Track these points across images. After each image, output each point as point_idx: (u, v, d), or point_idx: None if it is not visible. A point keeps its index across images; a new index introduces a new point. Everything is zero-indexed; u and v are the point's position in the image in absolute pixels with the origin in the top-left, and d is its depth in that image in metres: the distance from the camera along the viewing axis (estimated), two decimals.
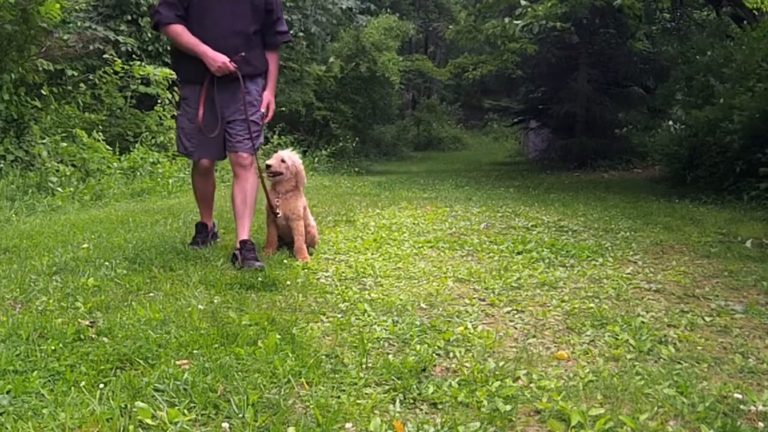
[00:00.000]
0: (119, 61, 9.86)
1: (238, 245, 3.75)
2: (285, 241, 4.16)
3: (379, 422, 1.79)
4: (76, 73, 9.44)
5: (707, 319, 2.88)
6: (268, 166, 3.88)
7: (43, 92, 8.35)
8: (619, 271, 3.81)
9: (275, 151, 4.36)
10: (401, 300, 3.11)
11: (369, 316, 2.84)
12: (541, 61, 14.93)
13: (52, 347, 2.28)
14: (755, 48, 8.04)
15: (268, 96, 4.00)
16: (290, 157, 3.98)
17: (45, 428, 1.74)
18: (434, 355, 2.36)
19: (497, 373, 2.17)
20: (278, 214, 3.93)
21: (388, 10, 19.52)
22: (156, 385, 1.99)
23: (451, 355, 2.38)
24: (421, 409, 1.94)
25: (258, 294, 3.18)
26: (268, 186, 4.02)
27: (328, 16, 14.93)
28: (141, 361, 2.20)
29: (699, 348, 2.51)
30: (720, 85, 8.52)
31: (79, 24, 9.79)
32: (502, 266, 3.90)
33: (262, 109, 3.93)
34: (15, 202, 6.21)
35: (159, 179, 8.54)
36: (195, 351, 2.30)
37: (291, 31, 14.09)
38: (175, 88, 10.23)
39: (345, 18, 16.14)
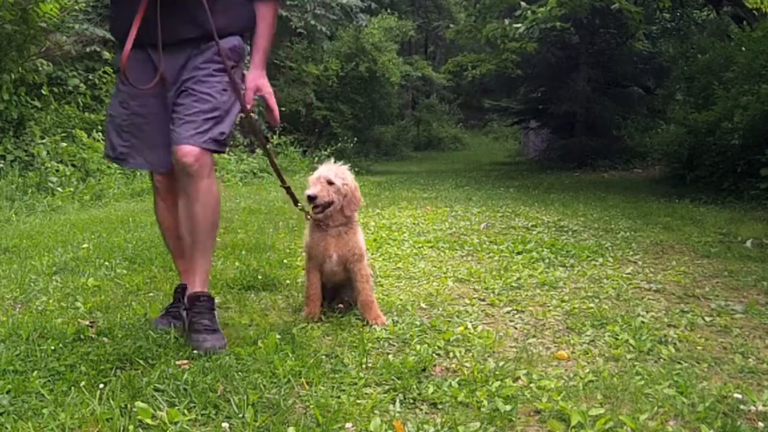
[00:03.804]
0: None
1: (186, 302, 2.45)
2: (339, 290, 2.95)
3: (379, 422, 1.79)
4: (77, 81, 9.43)
5: (707, 319, 2.88)
6: (312, 198, 2.59)
7: (43, 92, 8.35)
8: (619, 271, 3.81)
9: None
10: (401, 300, 3.10)
11: None
12: (541, 61, 14.95)
13: (52, 347, 2.28)
14: (758, 51, 8.03)
15: (255, 75, 2.54)
16: (339, 174, 2.69)
17: (45, 428, 1.74)
18: (434, 355, 2.36)
19: (497, 373, 2.17)
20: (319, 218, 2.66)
21: (388, 10, 19.50)
22: (156, 385, 1.98)
23: (451, 355, 2.37)
24: (421, 409, 1.94)
25: (258, 294, 3.18)
26: (308, 218, 2.77)
27: (326, 12, 14.89)
28: (141, 361, 2.20)
29: (699, 348, 2.51)
30: (720, 89, 8.52)
31: (77, 27, 9.81)
32: (502, 266, 3.90)
33: (251, 96, 2.53)
34: (15, 202, 6.21)
35: None
36: (195, 351, 2.30)
37: (289, 27, 14.15)
38: None
39: (344, 15, 16.11)
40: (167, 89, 2.45)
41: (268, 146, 2.64)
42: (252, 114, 2.59)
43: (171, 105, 2.44)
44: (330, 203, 2.62)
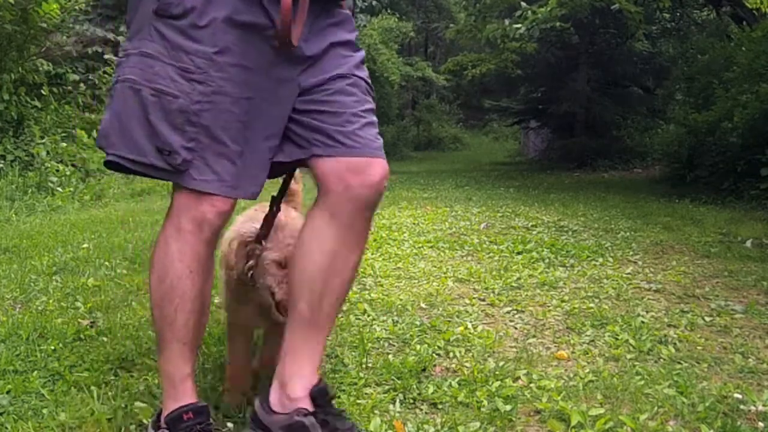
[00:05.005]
0: None
1: (312, 399, 1.62)
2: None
3: (379, 422, 1.79)
4: (77, 78, 9.43)
5: (707, 319, 2.88)
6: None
7: (43, 92, 8.35)
8: (619, 271, 3.81)
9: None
10: (401, 300, 3.10)
11: (369, 316, 2.84)
12: (541, 61, 14.93)
13: (52, 347, 2.28)
14: (758, 51, 8.03)
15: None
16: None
17: (45, 428, 1.73)
18: (434, 355, 2.36)
19: (497, 373, 2.17)
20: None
21: (388, 10, 19.49)
22: (156, 384, 1.98)
23: (451, 355, 2.37)
24: (421, 409, 1.93)
25: None
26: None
27: None
28: (141, 361, 2.20)
29: (699, 348, 2.50)
30: (720, 89, 8.52)
31: (77, 27, 9.81)
32: (502, 266, 3.90)
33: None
34: (15, 202, 6.21)
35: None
36: None
37: None
38: None
39: None
40: (287, 64, 1.54)
41: None
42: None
43: (301, 95, 1.57)
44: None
